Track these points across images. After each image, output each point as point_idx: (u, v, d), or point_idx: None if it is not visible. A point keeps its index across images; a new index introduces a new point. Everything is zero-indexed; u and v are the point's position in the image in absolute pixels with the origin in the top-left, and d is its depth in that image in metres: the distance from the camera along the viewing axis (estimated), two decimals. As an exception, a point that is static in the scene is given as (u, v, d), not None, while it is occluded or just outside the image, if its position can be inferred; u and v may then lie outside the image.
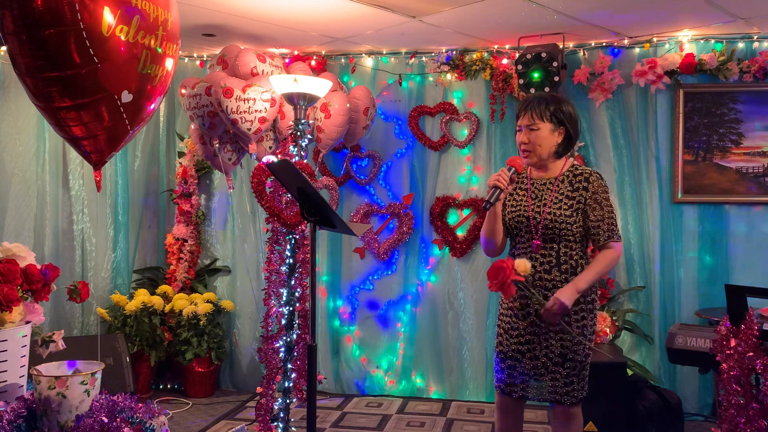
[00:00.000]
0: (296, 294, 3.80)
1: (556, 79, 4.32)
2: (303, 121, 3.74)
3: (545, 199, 2.71)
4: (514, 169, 2.66)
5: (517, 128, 2.79)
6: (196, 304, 4.97)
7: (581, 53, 4.71)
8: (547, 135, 2.71)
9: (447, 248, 5.03)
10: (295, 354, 3.79)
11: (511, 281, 2.47)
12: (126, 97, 2.61)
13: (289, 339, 3.78)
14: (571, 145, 2.81)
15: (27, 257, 1.91)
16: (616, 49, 4.67)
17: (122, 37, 2.51)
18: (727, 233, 4.53)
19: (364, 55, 5.10)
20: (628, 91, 4.66)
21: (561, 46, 4.40)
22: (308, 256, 3.74)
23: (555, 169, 2.78)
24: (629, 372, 4.09)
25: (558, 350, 2.67)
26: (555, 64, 4.30)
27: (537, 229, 2.67)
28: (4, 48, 3.00)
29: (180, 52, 3.09)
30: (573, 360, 2.67)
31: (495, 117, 4.88)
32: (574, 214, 2.68)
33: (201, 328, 4.95)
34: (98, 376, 1.68)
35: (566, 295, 2.58)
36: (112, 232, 5.15)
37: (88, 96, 2.53)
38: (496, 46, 4.87)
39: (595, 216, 2.69)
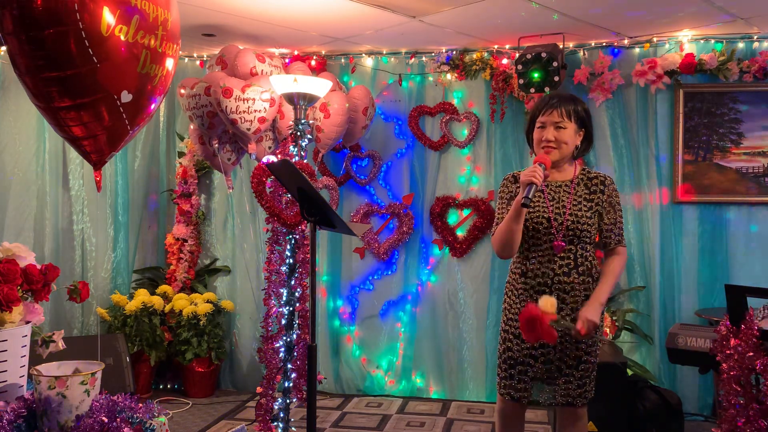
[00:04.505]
0: (296, 294, 3.80)
1: (556, 79, 4.32)
2: (303, 121, 3.74)
3: (563, 201, 2.68)
4: (544, 166, 2.56)
5: (539, 125, 2.70)
6: (196, 304, 4.97)
7: (581, 53, 4.71)
8: (572, 135, 2.69)
9: (447, 248, 5.03)
10: (295, 354, 3.79)
11: (548, 325, 2.41)
12: (125, 97, 2.61)
13: (289, 339, 3.78)
14: (588, 149, 2.80)
15: (27, 257, 1.90)
16: (616, 49, 4.67)
17: (122, 37, 2.51)
18: (727, 233, 4.53)
19: (364, 55, 5.10)
20: (628, 91, 4.66)
21: (561, 46, 4.40)
22: (308, 256, 3.74)
23: (568, 171, 2.76)
24: (629, 372, 4.08)
25: (573, 353, 2.65)
26: (555, 64, 4.30)
27: (559, 231, 2.64)
28: (4, 48, 3.00)
29: (180, 52, 3.09)
30: (586, 362, 2.67)
31: (495, 117, 4.88)
32: (593, 216, 2.67)
33: (201, 328, 4.95)
34: (98, 376, 1.68)
35: (592, 312, 2.56)
36: (112, 232, 5.15)
37: (88, 96, 2.53)
38: (496, 46, 4.86)
39: (609, 219, 2.70)
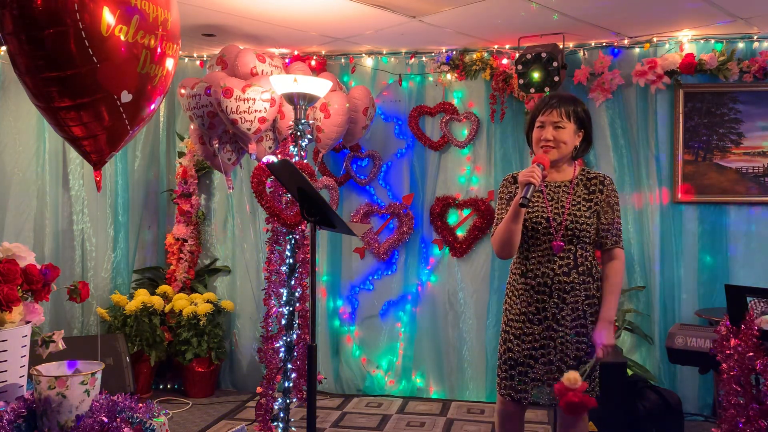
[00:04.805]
0: (296, 294, 3.80)
1: (556, 79, 4.32)
2: (303, 121, 3.74)
3: (562, 201, 2.69)
4: (542, 166, 2.57)
5: (538, 124, 2.71)
6: (196, 304, 4.97)
7: (581, 53, 4.71)
8: (571, 135, 2.69)
9: (447, 248, 5.03)
10: (295, 354, 3.79)
11: (585, 396, 2.45)
12: (125, 97, 2.61)
13: (289, 339, 3.78)
14: (587, 149, 2.80)
15: (27, 257, 1.90)
16: (616, 49, 4.67)
17: (122, 37, 2.51)
18: (727, 233, 4.53)
19: (364, 55, 5.10)
20: (628, 91, 4.66)
21: (561, 46, 4.40)
22: (308, 256, 3.74)
23: (568, 172, 2.76)
24: (629, 372, 4.08)
25: (574, 354, 2.65)
26: (555, 64, 4.30)
27: (558, 230, 2.65)
28: (4, 48, 3.00)
29: (180, 52, 3.09)
30: (587, 362, 2.67)
31: (495, 117, 4.88)
32: (592, 216, 2.67)
33: (201, 328, 4.95)
34: (98, 376, 1.68)
35: (606, 336, 2.62)
36: (112, 232, 5.15)
37: (88, 96, 2.52)
38: (496, 46, 4.86)
39: (606, 219, 2.69)
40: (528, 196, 2.48)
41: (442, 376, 5.03)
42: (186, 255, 5.25)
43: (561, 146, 2.68)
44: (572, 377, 2.44)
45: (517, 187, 2.67)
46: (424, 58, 5.04)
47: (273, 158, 3.64)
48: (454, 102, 5.01)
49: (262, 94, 4.07)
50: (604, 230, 2.70)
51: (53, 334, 1.91)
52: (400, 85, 5.07)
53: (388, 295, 5.14)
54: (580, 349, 2.66)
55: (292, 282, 3.79)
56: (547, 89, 4.33)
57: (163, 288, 5.13)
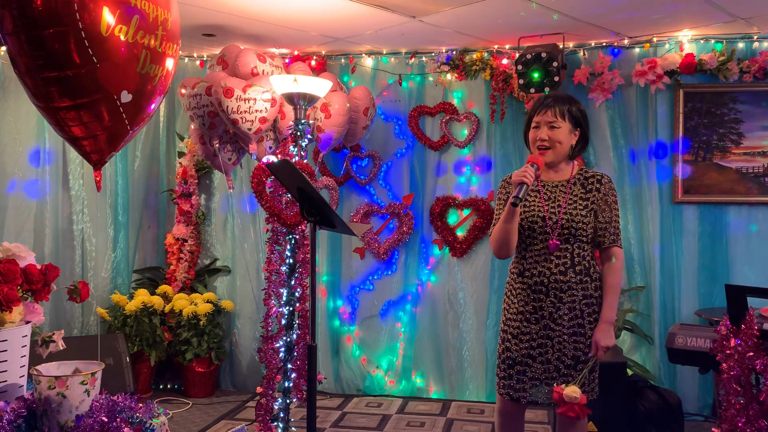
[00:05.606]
0: (296, 294, 3.80)
1: (556, 79, 4.32)
2: (303, 121, 3.74)
3: (559, 200, 2.69)
4: (536, 166, 2.58)
5: (534, 125, 2.72)
6: (196, 304, 4.97)
7: (581, 53, 4.71)
8: (567, 134, 2.69)
9: (447, 248, 5.03)
10: (295, 354, 3.79)
11: (582, 413, 2.51)
12: (125, 97, 2.61)
13: (289, 339, 3.78)
14: (584, 148, 2.80)
15: (27, 257, 1.90)
16: (616, 49, 4.67)
17: (121, 37, 2.51)
18: (727, 233, 4.53)
19: (364, 55, 5.10)
20: (628, 91, 4.66)
21: (561, 46, 4.40)
22: (308, 256, 3.74)
23: (565, 171, 2.76)
24: (629, 372, 4.08)
25: (571, 353, 2.65)
26: (555, 64, 4.30)
27: (554, 229, 2.65)
28: (4, 48, 3.00)
29: (180, 52, 3.09)
30: (585, 362, 2.67)
31: (495, 117, 4.88)
32: (589, 215, 2.67)
33: (201, 328, 4.95)
34: (98, 376, 1.68)
35: (606, 337, 2.63)
36: (112, 232, 5.15)
37: (88, 96, 2.53)
38: (496, 46, 4.86)
39: (603, 218, 2.69)
40: (520, 196, 2.49)
41: (442, 376, 5.03)
42: (186, 255, 5.25)
43: (556, 146, 2.69)
44: (572, 394, 2.46)
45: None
46: (424, 58, 5.04)
47: (273, 158, 3.64)
48: (454, 102, 5.02)
49: (263, 94, 4.07)
50: (601, 229, 2.70)
51: (53, 334, 1.91)
52: (400, 85, 5.07)
53: (388, 295, 5.14)
54: (578, 348, 2.66)
55: (292, 282, 3.79)
56: (547, 89, 4.33)
57: (163, 288, 5.13)
